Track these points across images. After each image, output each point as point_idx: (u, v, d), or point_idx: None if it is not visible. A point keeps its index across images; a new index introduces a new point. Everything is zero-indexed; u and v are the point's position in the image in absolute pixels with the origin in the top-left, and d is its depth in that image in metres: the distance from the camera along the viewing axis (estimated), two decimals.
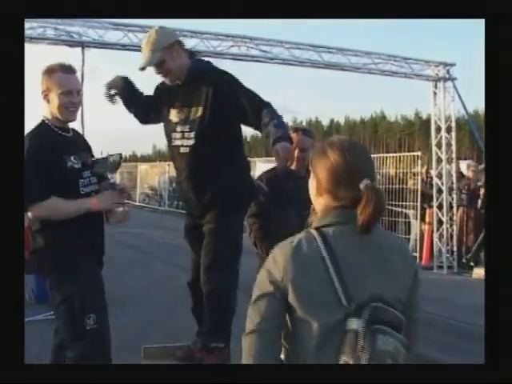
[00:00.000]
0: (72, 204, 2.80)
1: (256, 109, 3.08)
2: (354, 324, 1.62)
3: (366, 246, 1.72)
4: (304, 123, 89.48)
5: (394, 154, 12.42)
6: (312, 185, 1.83)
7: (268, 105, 3.11)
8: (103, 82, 3.39)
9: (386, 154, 12.59)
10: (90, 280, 2.82)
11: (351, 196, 1.71)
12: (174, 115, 3.26)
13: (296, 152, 3.45)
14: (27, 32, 7.06)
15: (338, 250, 1.68)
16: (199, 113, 3.20)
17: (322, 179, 1.77)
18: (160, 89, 3.39)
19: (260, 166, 13.90)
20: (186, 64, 3.23)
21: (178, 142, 3.24)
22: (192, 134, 3.19)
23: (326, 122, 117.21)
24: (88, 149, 3.12)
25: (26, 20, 6.96)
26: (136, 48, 7.51)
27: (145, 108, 3.51)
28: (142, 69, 3.15)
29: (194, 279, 3.27)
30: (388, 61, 8.65)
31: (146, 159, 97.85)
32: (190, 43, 7.57)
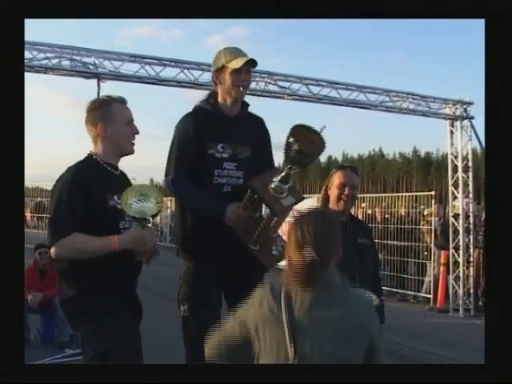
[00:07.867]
0: (93, 241, 2.50)
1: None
2: None
3: (326, 306, 1.91)
4: None
5: (408, 194, 12.17)
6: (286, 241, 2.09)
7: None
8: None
9: (398, 194, 12.32)
10: (126, 336, 2.52)
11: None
12: (218, 150, 3.02)
13: (346, 190, 3.14)
14: (42, 62, 6.90)
15: (298, 311, 1.90)
16: (248, 153, 3.08)
17: (289, 244, 2.02)
18: (200, 118, 3.09)
19: None
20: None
21: (222, 180, 3.02)
22: (240, 174, 3.03)
23: (323, 159, 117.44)
24: None
25: (41, 50, 6.91)
26: (152, 81, 7.33)
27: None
28: (249, 62, 3.01)
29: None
30: (406, 99, 8.51)
31: None
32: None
